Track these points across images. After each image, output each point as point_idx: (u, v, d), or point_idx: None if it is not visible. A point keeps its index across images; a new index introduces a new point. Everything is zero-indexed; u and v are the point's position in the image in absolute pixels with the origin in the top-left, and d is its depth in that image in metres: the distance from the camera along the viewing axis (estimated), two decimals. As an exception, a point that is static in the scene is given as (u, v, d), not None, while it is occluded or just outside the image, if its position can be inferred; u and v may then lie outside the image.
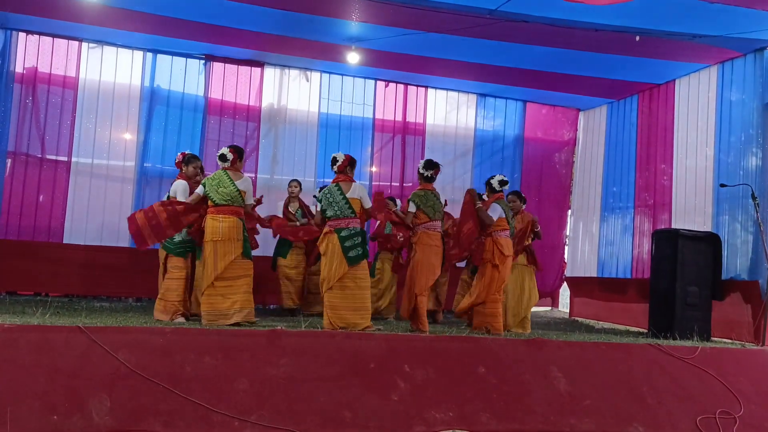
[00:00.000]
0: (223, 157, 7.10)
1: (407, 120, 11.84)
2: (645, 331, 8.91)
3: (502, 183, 8.18)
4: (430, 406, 5.55)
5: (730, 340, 8.40)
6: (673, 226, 9.90)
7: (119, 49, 10.46)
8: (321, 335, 6.10)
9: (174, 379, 5.11)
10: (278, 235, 8.97)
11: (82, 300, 9.51)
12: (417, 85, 11.86)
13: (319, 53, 10.41)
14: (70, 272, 9.82)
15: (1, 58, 9.82)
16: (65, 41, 10.20)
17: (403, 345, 6.07)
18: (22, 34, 9.99)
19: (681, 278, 8.26)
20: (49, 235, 10.00)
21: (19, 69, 10.01)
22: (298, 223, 8.87)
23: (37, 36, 10.07)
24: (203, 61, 10.86)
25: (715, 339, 8.40)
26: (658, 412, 6.06)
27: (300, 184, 9.32)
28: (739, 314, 8.50)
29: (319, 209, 7.20)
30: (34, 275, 9.73)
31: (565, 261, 12.80)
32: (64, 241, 10.02)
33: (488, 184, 8.27)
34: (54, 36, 10.12)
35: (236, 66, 11.00)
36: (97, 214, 10.24)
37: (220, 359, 5.37)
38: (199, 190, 7.08)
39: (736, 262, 8.84)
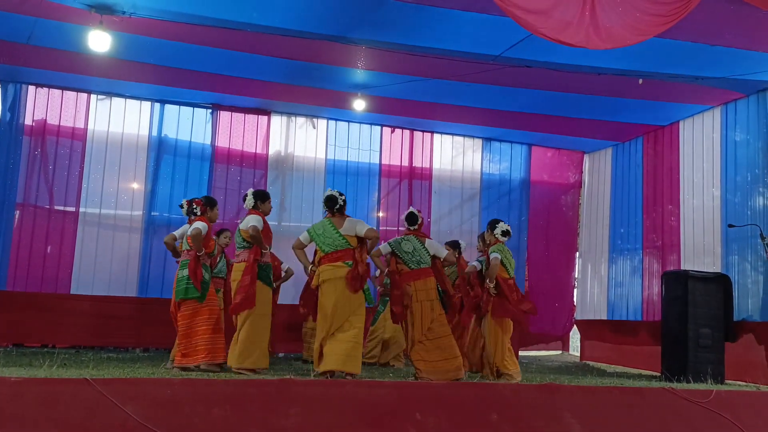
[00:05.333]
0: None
1: (413, 165, 11.89)
2: (658, 374, 8.80)
3: (505, 233, 7.98)
4: (443, 455, 5.45)
5: (744, 383, 8.28)
6: (682, 267, 9.84)
7: (127, 100, 10.58)
8: (331, 384, 6.03)
9: (183, 431, 5.04)
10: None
11: (89, 351, 9.46)
12: (423, 131, 11.95)
13: (325, 100, 10.51)
14: (77, 323, 9.77)
15: (11, 111, 9.93)
16: (74, 93, 10.32)
17: (414, 392, 5.99)
18: (31, 88, 10.11)
19: (693, 320, 8.18)
20: (57, 286, 9.99)
21: (28, 121, 10.10)
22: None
23: (47, 89, 10.20)
24: (210, 110, 10.97)
25: (729, 381, 8.28)
26: (675, 458, 5.94)
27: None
28: (753, 356, 8.41)
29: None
30: (42, 327, 9.69)
31: (575, 304, 12.71)
32: (72, 292, 9.99)
33: (491, 227, 8.05)
34: (63, 88, 10.25)
35: (243, 114, 11.10)
36: (104, 264, 10.24)
37: (229, 410, 5.29)
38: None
39: (747, 302, 8.77)
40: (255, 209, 7.23)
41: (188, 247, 7.22)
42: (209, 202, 7.51)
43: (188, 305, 7.09)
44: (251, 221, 7.00)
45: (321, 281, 6.80)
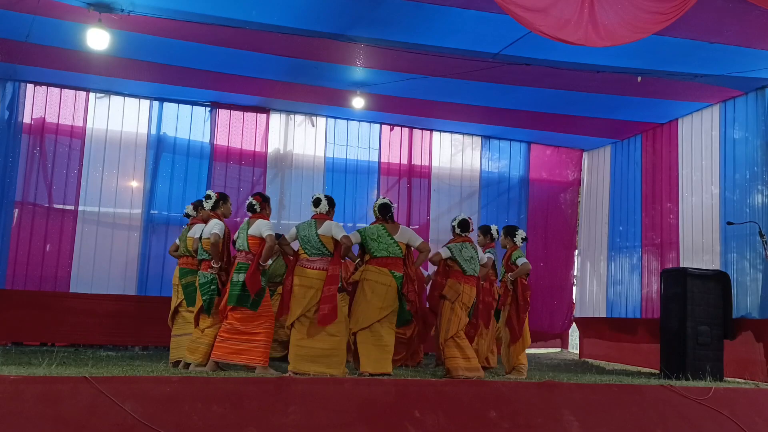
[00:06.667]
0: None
1: (413, 163, 11.90)
2: (657, 371, 8.81)
3: (524, 240, 8.27)
4: (442, 453, 5.45)
5: (743, 380, 8.28)
6: (681, 265, 9.85)
7: (126, 98, 10.57)
8: (330, 382, 6.03)
9: (182, 429, 5.04)
10: None
11: (88, 349, 9.46)
12: (422, 129, 11.96)
13: (324, 98, 10.51)
14: (76, 321, 9.76)
15: (9, 109, 9.93)
16: (73, 91, 10.32)
17: (413, 390, 5.99)
18: (30, 86, 10.11)
19: (691, 318, 8.17)
20: (56, 284, 9.98)
21: (26, 120, 10.09)
22: None
23: (45, 87, 10.19)
24: (209, 108, 10.96)
25: (728, 379, 8.28)
26: (674, 456, 5.94)
27: None
28: (752, 353, 8.41)
29: None
30: (41, 325, 9.69)
31: (574, 301, 12.71)
32: (71, 290, 9.99)
33: (511, 234, 8.20)
34: (62, 87, 10.24)
35: (242, 112, 11.09)
36: (103, 262, 10.24)
37: (228, 408, 5.30)
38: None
39: (746, 300, 8.77)
40: (327, 215, 6.95)
41: (246, 249, 6.81)
42: (266, 199, 7.12)
43: (242, 311, 6.77)
44: (340, 230, 6.75)
45: (363, 278, 6.89)
